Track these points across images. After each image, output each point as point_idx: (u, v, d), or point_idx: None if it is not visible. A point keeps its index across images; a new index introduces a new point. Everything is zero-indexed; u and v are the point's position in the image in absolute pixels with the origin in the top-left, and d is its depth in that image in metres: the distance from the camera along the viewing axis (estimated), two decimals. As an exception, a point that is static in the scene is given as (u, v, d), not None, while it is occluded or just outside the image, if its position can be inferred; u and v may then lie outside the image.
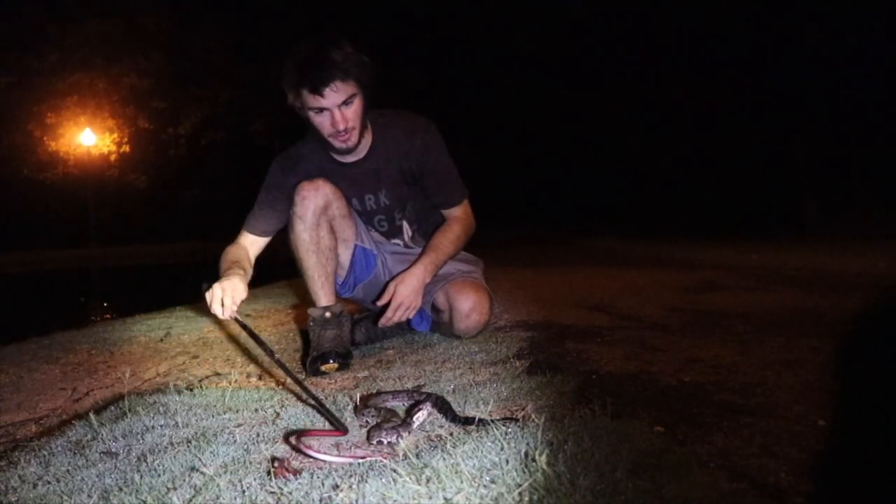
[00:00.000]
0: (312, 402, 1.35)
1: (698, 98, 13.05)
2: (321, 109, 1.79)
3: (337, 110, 1.78)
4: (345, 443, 1.12)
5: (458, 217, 2.09)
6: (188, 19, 20.29)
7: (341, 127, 1.81)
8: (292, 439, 1.11)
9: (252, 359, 2.06)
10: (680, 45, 12.72)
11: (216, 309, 1.59)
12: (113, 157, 22.03)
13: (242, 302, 1.64)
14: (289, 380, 1.72)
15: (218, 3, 20.03)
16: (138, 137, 22.19)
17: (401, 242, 2.18)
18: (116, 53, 20.28)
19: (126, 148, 22.17)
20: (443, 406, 1.24)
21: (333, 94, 1.75)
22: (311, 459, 1.03)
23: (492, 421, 1.11)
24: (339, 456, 1.04)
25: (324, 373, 1.76)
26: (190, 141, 22.51)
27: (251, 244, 2.02)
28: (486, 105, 20.44)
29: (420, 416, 1.18)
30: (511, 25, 18.63)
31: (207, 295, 1.61)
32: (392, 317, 1.90)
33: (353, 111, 1.81)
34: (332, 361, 1.77)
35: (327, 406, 1.28)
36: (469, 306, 1.96)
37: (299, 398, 1.47)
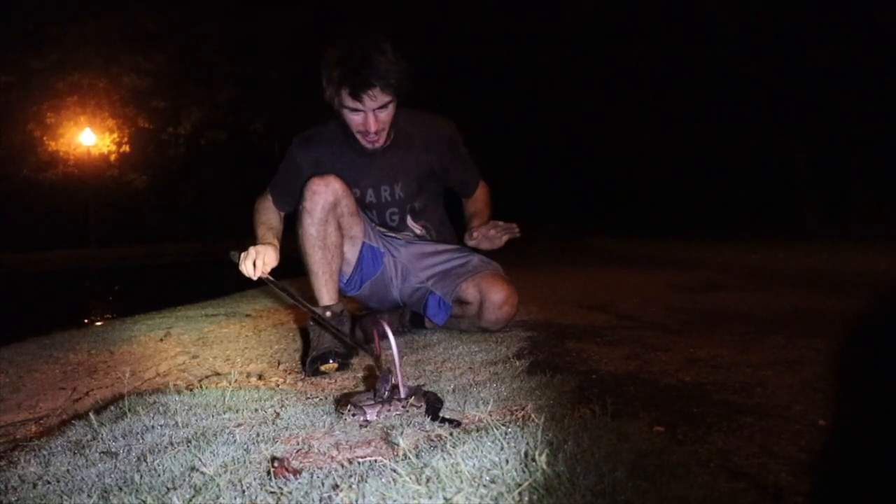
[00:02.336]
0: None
1: (699, 99, 13.05)
2: (356, 110, 1.87)
3: (371, 113, 1.87)
4: (344, 443, 1.12)
5: (483, 193, 2.30)
6: (188, 19, 20.28)
7: (373, 129, 1.91)
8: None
9: (252, 359, 2.06)
10: (680, 45, 12.72)
11: (248, 268, 1.74)
12: (113, 157, 22.05)
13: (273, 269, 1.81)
14: (288, 379, 1.73)
15: (218, 2, 20.01)
16: (138, 137, 22.19)
17: (411, 235, 2.22)
18: (116, 53, 20.28)
19: (126, 148, 22.17)
20: (430, 402, 1.26)
21: (371, 101, 1.84)
22: (311, 460, 1.03)
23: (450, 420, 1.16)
24: None
25: (323, 373, 1.76)
26: (190, 141, 22.50)
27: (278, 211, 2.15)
28: (485, 106, 20.42)
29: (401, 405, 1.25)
30: (510, 26, 18.62)
31: (242, 255, 1.76)
32: (487, 232, 1.99)
33: (386, 115, 1.91)
34: (331, 361, 1.77)
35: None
36: (502, 298, 2.03)
37: (299, 398, 1.47)
